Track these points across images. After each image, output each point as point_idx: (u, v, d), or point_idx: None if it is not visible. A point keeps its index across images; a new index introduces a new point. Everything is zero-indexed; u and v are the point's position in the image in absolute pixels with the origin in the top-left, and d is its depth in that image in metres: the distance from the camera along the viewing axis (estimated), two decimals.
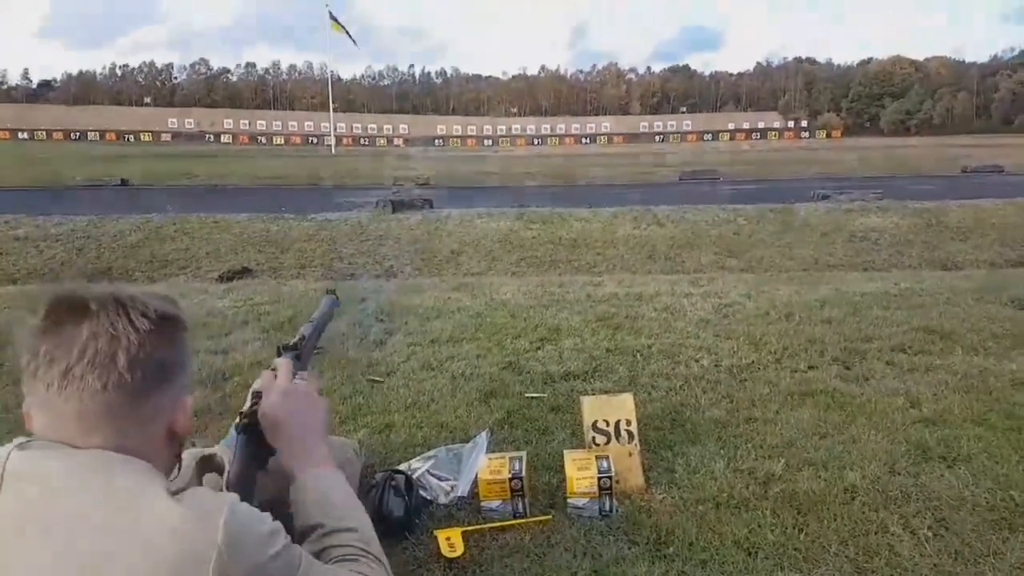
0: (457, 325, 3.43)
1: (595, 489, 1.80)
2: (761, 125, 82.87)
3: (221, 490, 1.30)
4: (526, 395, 2.57)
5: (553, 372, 2.83)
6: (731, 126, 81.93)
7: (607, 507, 1.81)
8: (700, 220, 10.74)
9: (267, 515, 1.00)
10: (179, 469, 1.07)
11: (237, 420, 1.34)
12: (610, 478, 1.80)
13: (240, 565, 0.90)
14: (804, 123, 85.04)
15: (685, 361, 3.07)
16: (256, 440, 1.32)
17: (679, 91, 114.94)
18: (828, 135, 78.10)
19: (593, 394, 2.65)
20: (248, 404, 1.35)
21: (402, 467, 1.92)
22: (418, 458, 1.97)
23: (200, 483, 1.07)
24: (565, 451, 1.92)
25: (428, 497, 1.85)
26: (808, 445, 2.24)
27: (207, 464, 1.05)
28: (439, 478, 1.90)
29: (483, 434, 2.01)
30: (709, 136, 77.09)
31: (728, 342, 3.37)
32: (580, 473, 1.81)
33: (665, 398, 2.64)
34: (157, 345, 0.96)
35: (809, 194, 12.77)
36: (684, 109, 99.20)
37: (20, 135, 65.43)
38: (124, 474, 0.91)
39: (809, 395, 2.67)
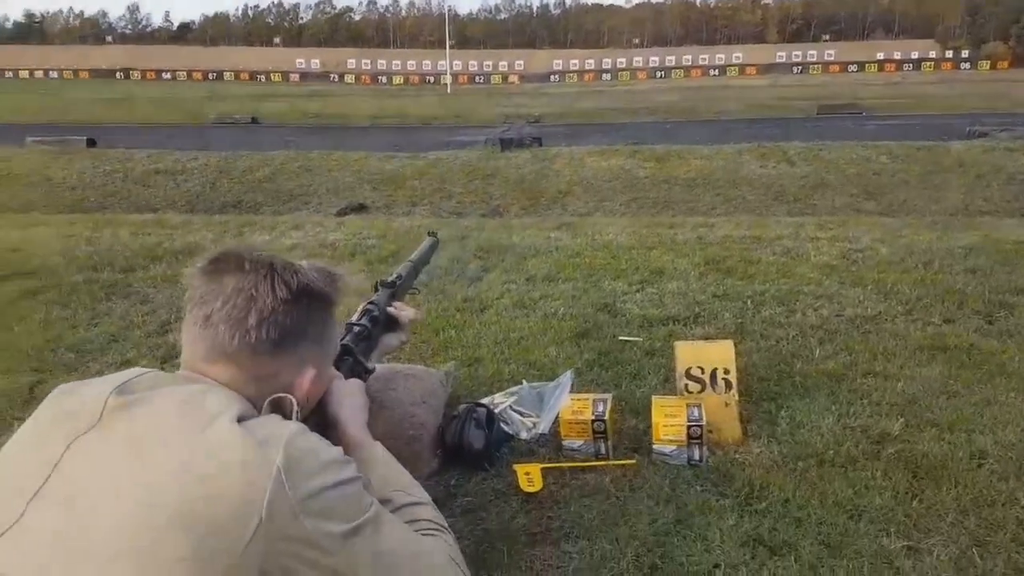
0: (555, 264, 3.35)
1: (683, 437, 1.69)
2: (914, 55, 74.87)
3: None
4: (620, 338, 2.47)
5: (651, 316, 2.70)
6: (880, 56, 74.46)
7: (696, 456, 1.71)
8: (837, 158, 9.93)
9: (337, 448, 0.99)
10: None
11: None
12: (700, 427, 1.69)
13: (298, 488, 0.87)
14: (964, 52, 76.14)
15: (802, 309, 2.85)
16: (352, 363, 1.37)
17: (822, 17, 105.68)
18: (993, 66, 69.59)
19: (693, 340, 2.51)
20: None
21: (485, 401, 1.89)
22: (501, 393, 1.94)
23: None
24: (654, 396, 1.82)
25: (510, 431, 1.82)
26: (933, 404, 2.02)
27: (275, 407, 1.04)
28: (521, 414, 1.86)
29: (568, 373, 1.94)
30: (854, 67, 70.56)
31: (854, 290, 3.09)
32: (668, 420, 1.71)
33: (775, 347, 2.46)
34: (288, 313, 1.01)
35: (964, 131, 11.50)
36: (827, 37, 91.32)
37: (164, 75, 70.18)
38: (212, 403, 0.94)
39: (941, 350, 2.40)
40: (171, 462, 0.86)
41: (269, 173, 9.71)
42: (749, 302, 2.94)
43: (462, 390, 2.08)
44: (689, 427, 1.69)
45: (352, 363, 1.41)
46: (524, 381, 2.12)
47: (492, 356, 2.31)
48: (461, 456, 1.69)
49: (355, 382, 1.34)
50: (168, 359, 2.30)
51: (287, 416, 1.03)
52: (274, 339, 1.00)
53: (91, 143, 10.45)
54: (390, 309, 1.66)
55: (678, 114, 19.11)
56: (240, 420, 0.92)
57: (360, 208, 8.56)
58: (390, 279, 1.74)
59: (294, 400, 1.03)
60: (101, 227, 4.19)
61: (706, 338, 2.53)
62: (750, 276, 3.33)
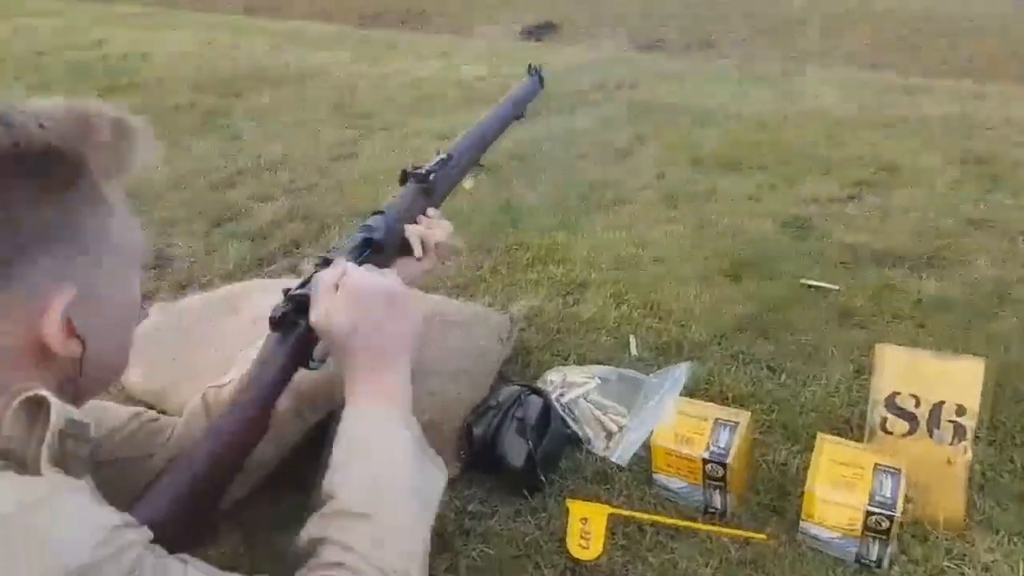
0: (735, 141, 2.46)
1: (858, 525, 1.00)
2: None
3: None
4: (802, 281, 1.68)
5: (861, 245, 1.84)
6: None
7: (873, 556, 1.01)
8: None
9: (98, 518, 0.56)
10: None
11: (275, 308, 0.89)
12: (891, 518, 0.98)
13: None
14: None
15: None
16: (296, 349, 0.87)
17: None
18: None
19: (923, 301, 1.65)
20: (299, 284, 0.88)
21: (551, 378, 1.28)
22: (580, 370, 1.30)
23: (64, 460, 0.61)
24: (821, 436, 1.10)
25: (578, 433, 1.21)
26: None
27: (32, 409, 0.58)
28: (603, 409, 1.24)
29: (681, 367, 1.26)
30: None
31: None
32: (833, 493, 1.01)
33: None
34: None
35: None
36: None
37: None
38: None
39: None
40: None
41: None
42: (1021, 240, 1.95)
43: (539, 338, 1.47)
44: (870, 514, 0.98)
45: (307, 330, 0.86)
46: (632, 339, 1.47)
47: (602, 284, 1.64)
48: (491, 468, 1.14)
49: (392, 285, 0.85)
50: (221, 221, 1.90)
51: (79, 443, 0.60)
52: None
53: None
54: (409, 228, 1.07)
55: None
56: None
57: (548, 27, 7.62)
58: (424, 169, 1.13)
59: (49, 400, 0.58)
60: (241, 34, 3.85)
61: (942, 305, 1.66)
62: None
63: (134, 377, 1.23)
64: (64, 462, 0.58)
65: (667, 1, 8.24)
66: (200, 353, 1.23)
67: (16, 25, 3.95)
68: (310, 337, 0.86)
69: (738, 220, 1.94)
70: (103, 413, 0.89)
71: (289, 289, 0.88)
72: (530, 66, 1.48)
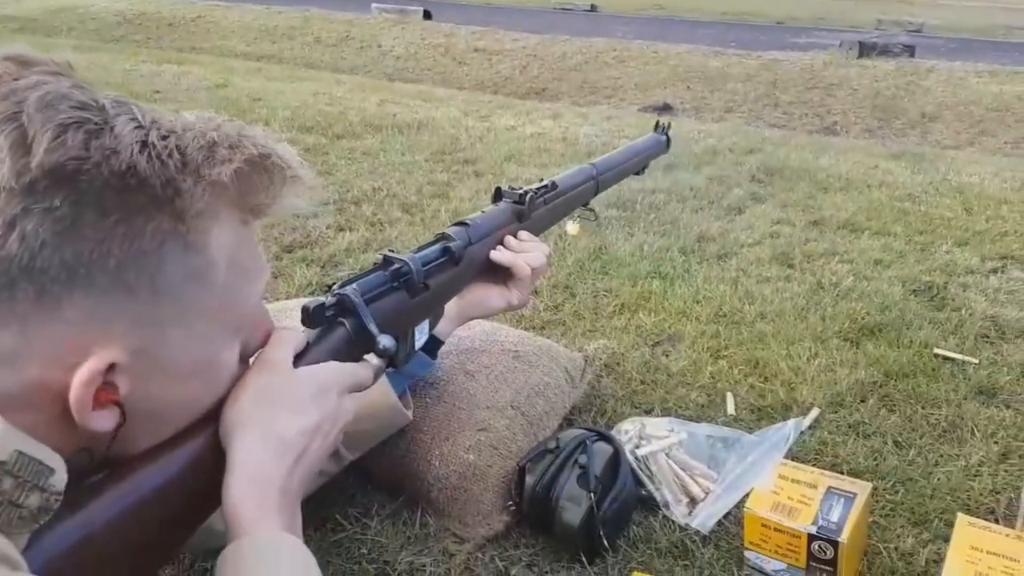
0: (870, 206, 2.23)
1: None
2: None
3: None
4: (936, 351, 1.43)
5: (1005, 319, 1.57)
6: None
7: None
8: None
9: None
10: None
11: None
12: None
13: None
14: None
15: None
16: (338, 353, 0.75)
17: None
18: None
19: None
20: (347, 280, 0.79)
21: (625, 428, 1.10)
22: (661, 423, 1.12)
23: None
24: (962, 517, 0.87)
25: (654, 494, 1.02)
26: None
27: (16, 474, 0.46)
28: (687, 469, 1.05)
29: (789, 424, 1.05)
30: None
31: None
32: None
33: None
34: (26, 217, 0.46)
35: None
36: None
37: None
38: None
39: None
40: None
41: (581, 61, 9.14)
42: None
43: (618, 387, 1.30)
44: None
45: (348, 335, 0.74)
46: (729, 397, 1.27)
47: (698, 338, 1.46)
48: (543, 524, 0.97)
49: (315, 372, 0.67)
50: (294, 247, 1.88)
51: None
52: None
53: (427, 15, 10.87)
54: (496, 251, 0.96)
55: None
56: None
57: (665, 109, 7.63)
58: (524, 189, 1.03)
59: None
60: (359, 90, 4.02)
61: None
62: None
63: None
64: None
65: (789, 89, 8.09)
66: None
67: (142, 70, 4.35)
68: (357, 343, 0.73)
69: (861, 283, 1.71)
70: None
71: (334, 284, 0.77)
72: (658, 123, 1.42)
